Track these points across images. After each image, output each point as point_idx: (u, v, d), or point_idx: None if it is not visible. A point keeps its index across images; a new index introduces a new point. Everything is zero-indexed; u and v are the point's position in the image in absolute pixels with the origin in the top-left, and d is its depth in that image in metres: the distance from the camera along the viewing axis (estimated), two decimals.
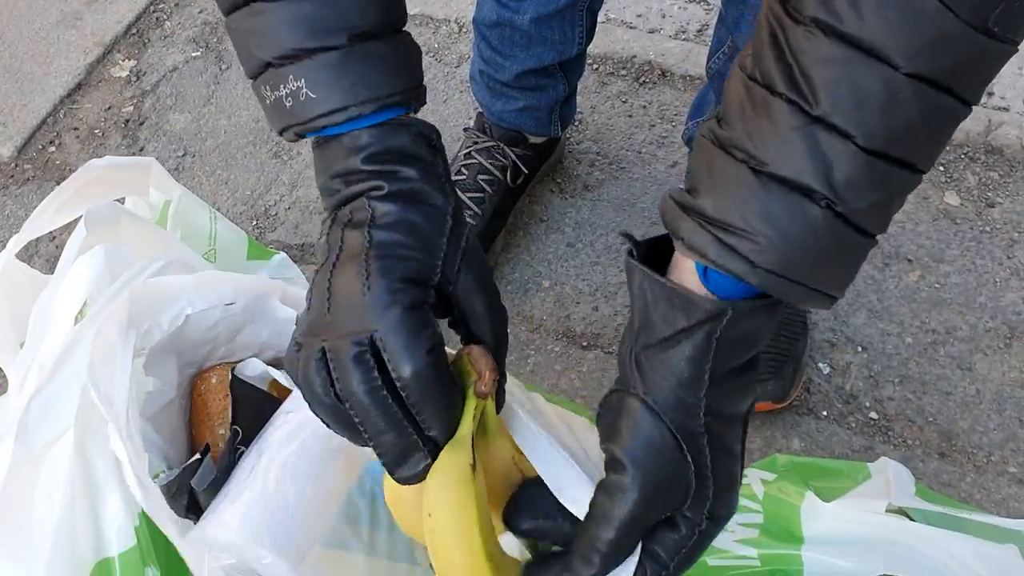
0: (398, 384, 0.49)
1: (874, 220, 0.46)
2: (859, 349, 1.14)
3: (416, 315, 0.50)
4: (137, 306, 0.66)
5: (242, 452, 0.68)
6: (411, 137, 0.53)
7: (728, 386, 0.49)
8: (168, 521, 0.62)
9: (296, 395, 0.67)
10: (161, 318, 0.67)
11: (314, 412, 0.52)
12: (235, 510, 0.59)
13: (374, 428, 0.50)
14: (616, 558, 0.51)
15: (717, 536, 0.52)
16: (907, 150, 0.43)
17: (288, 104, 0.53)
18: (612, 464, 0.51)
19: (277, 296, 0.74)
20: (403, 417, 0.49)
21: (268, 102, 0.54)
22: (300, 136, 0.54)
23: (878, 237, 0.47)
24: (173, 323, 0.68)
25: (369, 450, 0.60)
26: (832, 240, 0.45)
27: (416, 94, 0.55)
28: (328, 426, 0.52)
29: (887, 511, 0.75)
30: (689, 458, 0.49)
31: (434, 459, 0.50)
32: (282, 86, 0.53)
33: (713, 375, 0.48)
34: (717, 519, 0.51)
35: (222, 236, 0.88)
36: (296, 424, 0.63)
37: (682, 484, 0.49)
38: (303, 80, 0.52)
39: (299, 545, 0.58)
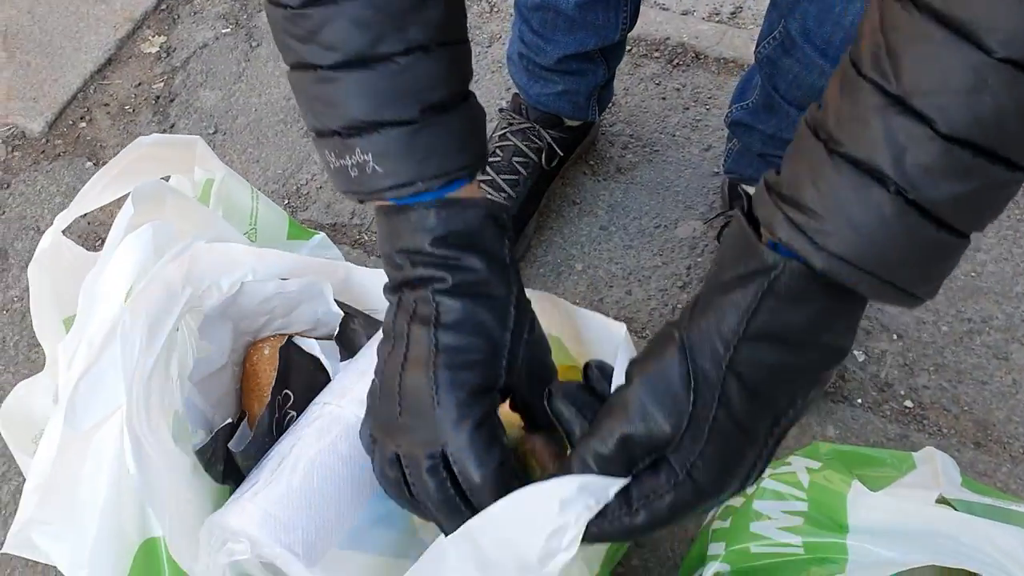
0: (465, 488, 0.53)
1: (959, 215, 0.42)
2: (894, 337, 1.14)
3: (485, 430, 0.53)
4: (198, 264, 0.67)
5: (292, 417, 0.69)
6: (479, 220, 0.53)
7: (763, 355, 0.47)
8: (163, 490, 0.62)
9: (332, 386, 0.67)
10: (222, 280, 0.68)
11: (387, 494, 0.57)
12: (258, 503, 0.59)
13: (445, 521, 0.54)
14: (603, 472, 0.51)
15: (694, 508, 0.50)
16: (997, 141, 0.40)
17: (353, 174, 0.52)
18: (626, 379, 0.51)
19: (329, 283, 0.75)
20: (470, 512, 0.52)
21: (332, 166, 0.54)
22: (362, 201, 0.55)
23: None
24: (232, 288, 0.68)
25: None
26: (904, 231, 0.42)
27: (482, 162, 0.55)
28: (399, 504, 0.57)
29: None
30: (691, 399, 0.48)
31: None
32: (348, 156, 0.52)
33: (749, 331, 0.46)
34: (698, 484, 0.49)
35: (263, 215, 0.88)
36: (330, 419, 0.63)
37: (674, 421, 0.48)
38: (370, 154, 0.51)
39: (316, 546, 0.58)
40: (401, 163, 0.51)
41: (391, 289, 0.56)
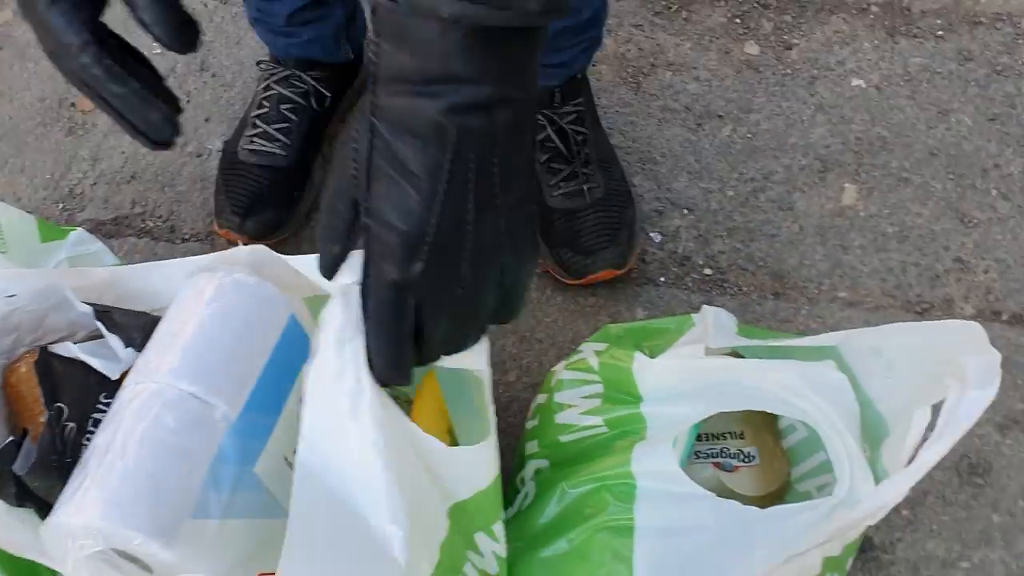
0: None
1: None
2: (685, 212, 1.17)
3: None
4: None
5: (72, 429, 0.66)
6: None
7: (396, 98, 0.47)
8: None
9: (138, 366, 0.64)
10: None
11: None
12: (96, 493, 0.56)
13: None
14: (328, 232, 0.54)
15: (385, 255, 0.50)
16: None
17: None
18: None
19: (71, 286, 0.71)
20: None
21: None
22: None
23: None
24: None
25: (226, 418, 0.60)
26: None
27: None
28: None
29: (721, 354, 0.79)
30: (354, 139, 0.50)
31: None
32: None
33: (380, 75, 0.47)
34: (377, 217, 0.49)
35: (7, 224, 0.84)
36: (147, 396, 0.60)
37: (353, 168, 0.51)
38: None
39: (169, 520, 0.56)
40: None
41: None
